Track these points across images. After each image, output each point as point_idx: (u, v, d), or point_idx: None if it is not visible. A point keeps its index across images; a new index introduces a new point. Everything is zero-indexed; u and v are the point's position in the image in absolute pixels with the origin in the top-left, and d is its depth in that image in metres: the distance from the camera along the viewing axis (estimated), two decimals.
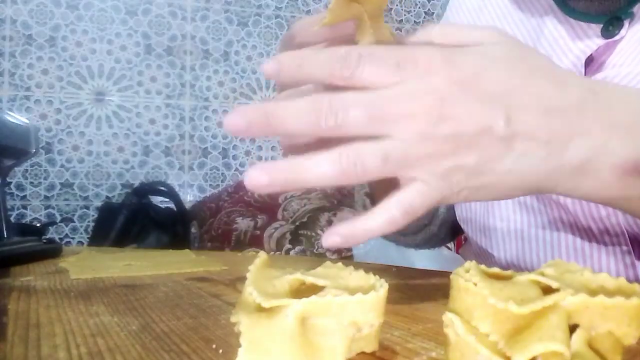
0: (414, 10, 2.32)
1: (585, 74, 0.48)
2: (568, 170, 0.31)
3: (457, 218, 0.62)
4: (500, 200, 0.54)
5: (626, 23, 0.46)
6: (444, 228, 0.66)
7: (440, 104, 0.29)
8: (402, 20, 2.30)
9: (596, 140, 0.31)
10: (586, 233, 0.49)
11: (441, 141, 0.29)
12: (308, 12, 2.15)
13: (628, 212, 0.36)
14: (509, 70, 0.30)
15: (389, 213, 0.30)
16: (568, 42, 0.49)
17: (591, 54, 0.48)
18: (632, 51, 0.46)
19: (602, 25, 0.47)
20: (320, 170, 0.29)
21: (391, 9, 2.28)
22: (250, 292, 0.23)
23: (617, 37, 0.47)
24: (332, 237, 0.30)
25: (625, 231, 0.46)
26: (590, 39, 0.48)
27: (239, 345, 0.21)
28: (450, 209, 0.65)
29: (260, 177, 0.29)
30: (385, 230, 0.30)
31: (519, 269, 0.54)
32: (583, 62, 0.48)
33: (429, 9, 2.32)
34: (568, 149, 0.30)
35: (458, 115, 0.29)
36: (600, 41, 0.47)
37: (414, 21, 2.31)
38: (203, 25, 2.03)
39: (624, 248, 0.47)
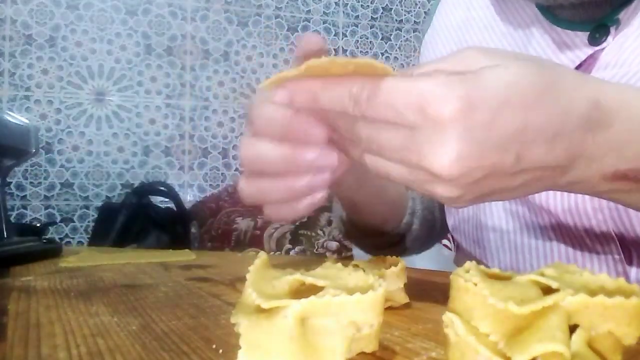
0: (414, 10, 2.32)
1: None
2: (565, 184, 0.33)
3: (450, 228, 0.62)
4: (492, 212, 0.55)
5: (612, 30, 0.47)
6: (424, 228, 0.65)
7: (457, 156, 0.28)
8: (402, 20, 2.30)
9: (594, 159, 0.31)
10: (578, 242, 0.49)
11: (456, 182, 0.29)
12: (308, 12, 2.15)
13: (615, 202, 0.39)
14: (522, 103, 0.29)
15: None
16: (556, 51, 0.50)
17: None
18: (619, 56, 0.46)
19: (588, 34, 0.48)
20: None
21: (391, 9, 2.28)
22: (250, 293, 0.23)
23: (604, 45, 0.47)
24: None
25: (616, 239, 0.46)
26: (578, 47, 0.48)
27: (239, 346, 0.21)
28: (426, 208, 0.64)
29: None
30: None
31: None
32: None
33: (428, 9, 2.32)
34: (569, 170, 0.31)
35: (472, 163, 0.28)
36: (589, 50, 0.47)
37: (414, 21, 2.31)
38: (203, 25, 2.03)
39: (616, 257, 0.47)
